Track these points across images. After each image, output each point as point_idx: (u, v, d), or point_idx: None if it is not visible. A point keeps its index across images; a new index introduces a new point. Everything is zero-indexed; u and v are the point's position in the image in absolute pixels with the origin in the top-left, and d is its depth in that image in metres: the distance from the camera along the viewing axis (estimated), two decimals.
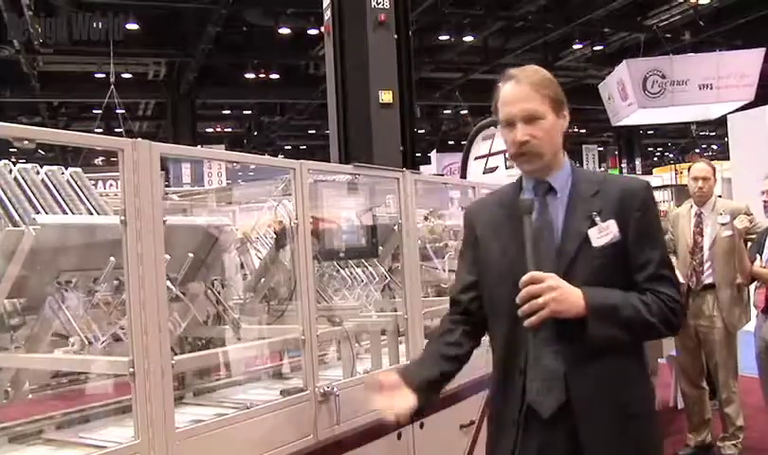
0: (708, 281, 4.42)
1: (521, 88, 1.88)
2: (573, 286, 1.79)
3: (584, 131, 28.90)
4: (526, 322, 1.77)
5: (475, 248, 2.04)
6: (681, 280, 4.40)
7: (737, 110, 12.51)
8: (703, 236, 4.45)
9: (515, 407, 1.88)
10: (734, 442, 4.53)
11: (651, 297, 1.85)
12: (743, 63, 12.94)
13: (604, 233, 1.85)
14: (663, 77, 13.45)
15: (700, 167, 4.60)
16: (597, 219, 1.85)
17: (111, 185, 7.52)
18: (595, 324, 1.78)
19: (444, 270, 3.94)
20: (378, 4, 5.67)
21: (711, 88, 13.05)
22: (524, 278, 1.77)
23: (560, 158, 1.95)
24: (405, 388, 1.92)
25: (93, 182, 2.80)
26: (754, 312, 4.44)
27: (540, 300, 1.75)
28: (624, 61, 14.38)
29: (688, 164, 5.10)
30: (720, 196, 5.15)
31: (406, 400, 1.90)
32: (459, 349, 2.05)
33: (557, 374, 1.83)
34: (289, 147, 29.29)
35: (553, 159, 1.93)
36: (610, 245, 1.85)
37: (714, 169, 4.67)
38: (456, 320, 2.09)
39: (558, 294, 1.76)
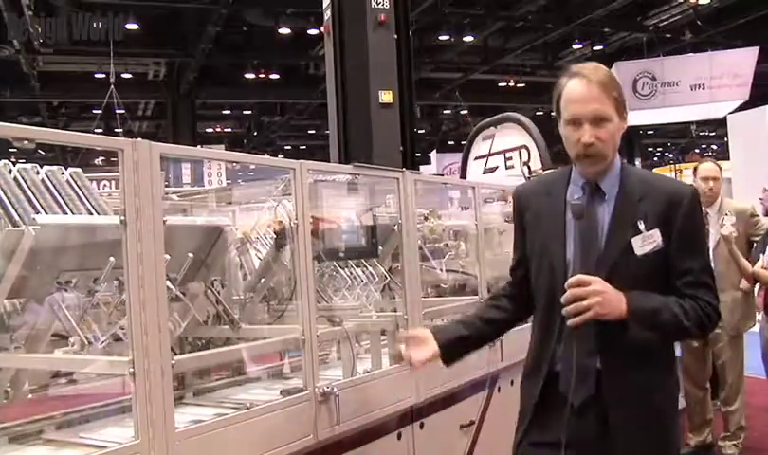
0: None
1: (590, 88, 1.88)
2: (616, 289, 1.84)
3: None
4: (570, 322, 1.84)
5: (523, 232, 2.12)
6: None
7: (739, 109, 12.48)
8: (708, 237, 4.41)
9: (538, 390, 1.98)
10: (735, 442, 4.53)
11: (690, 302, 1.89)
12: (736, 62, 12.89)
13: (648, 242, 1.88)
14: (653, 78, 13.46)
15: (709, 167, 4.55)
16: (642, 227, 1.88)
17: (105, 185, 7.40)
18: (635, 327, 1.86)
19: (443, 270, 3.94)
20: (378, 4, 5.67)
21: (704, 88, 13.01)
22: (571, 280, 1.83)
23: (615, 158, 1.98)
24: (432, 342, 2.06)
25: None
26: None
27: (585, 303, 1.81)
28: (614, 64, 14.39)
29: (692, 164, 5.03)
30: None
31: (426, 350, 2.04)
32: (500, 312, 2.18)
33: (590, 369, 1.89)
34: (289, 147, 29.27)
35: (611, 161, 1.95)
36: (652, 252, 1.88)
37: (721, 168, 4.66)
38: (505, 290, 2.23)
39: (603, 298, 1.81)
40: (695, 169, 4.69)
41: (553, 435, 1.91)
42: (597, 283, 1.82)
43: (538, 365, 2.02)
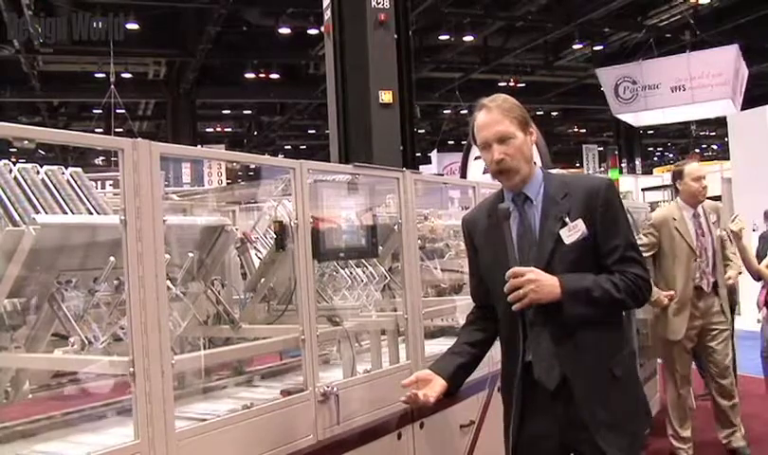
0: (713, 280, 4.41)
1: (492, 114, 2.21)
2: (550, 275, 2.11)
3: (584, 131, 28.90)
4: (513, 308, 2.11)
5: (476, 253, 2.38)
6: (681, 284, 4.37)
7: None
8: (705, 236, 4.42)
9: (518, 382, 2.19)
10: (742, 433, 4.52)
11: (619, 277, 2.16)
12: (716, 61, 12.78)
13: (574, 231, 2.15)
14: (634, 82, 13.58)
15: (698, 167, 4.57)
16: (567, 220, 2.15)
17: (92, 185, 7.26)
18: (570, 305, 2.10)
19: (442, 270, 3.94)
20: (378, 4, 5.68)
21: (684, 89, 13.01)
22: (508, 272, 2.11)
23: (533, 169, 2.25)
24: (437, 378, 2.24)
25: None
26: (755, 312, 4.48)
27: (521, 291, 2.09)
28: (596, 70, 14.46)
29: (676, 166, 4.97)
30: None
31: (437, 386, 2.22)
32: (484, 333, 2.40)
33: (553, 354, 2.15)
34: (289, 147, 29.29)
35: (527, 171, 2.22)
36: (580, 240, 2.15)
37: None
38: (477, 313, 2.46)
39: (536, 285, 2.09)
40: (679, 173, 4.56)
41: (543, 423, 2.17)
42: (531, 273, 2.09)
43: (511, 361, 2.23)
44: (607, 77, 13.60)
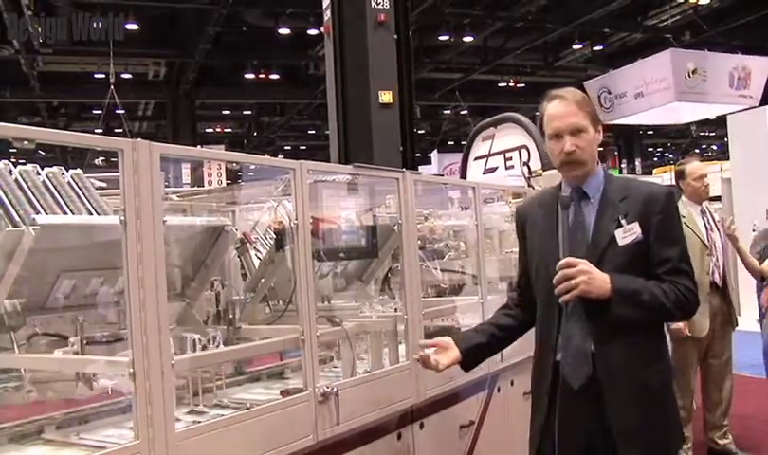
0: (723, 274, 4.45)
1: (568, 106, 2.22)
2: (601, 272, 2.10)
3: None
4: (561, 299, 2.12)
5: (524, 243, 2.43)
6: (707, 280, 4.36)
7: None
8: (713, 232, 4.44)
9: (547, 379, 2.22)
10: (726, 430, 4.52)
11: (669, 286, 2.14)
12: (657, 67, 12.86)
13: (629, 234, 2.15)
14: (609, 92, 13.76)
15: (700, 166, 4.61)
16: (623, 221, 2.16)
17: None
18: (618, 304, 2.09)
19: (442, 271, 3.94)
20: (378, 4, 5.68)
21: (643, 96, 13.13)
22: (561, 262, 2.11)
23: (595, 167, 2.27)
24: (454, 348, 2.36)
25: None
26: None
27: (573, 282, 2.08)
28: (583, 84, 14.60)
29: (678, 165, 4.95)
30: None
31: (451, 355, 2.35)
32: (513, 320, 2.47)
33: (585, 352, 2.14)
34: (289, 147, 29.27)
35: (591, 167, 2.25)
36: (633, 243, 2.15)
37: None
38: (513, 298, 2.52)
39: (588, 277, 2.08)
40: (681, 172, 4.57)
41: (567, 423, 2.15)
42: (584, 264, 2.10)
43: (543, 356, 2.26)
44: (590, 89, 13.76)
